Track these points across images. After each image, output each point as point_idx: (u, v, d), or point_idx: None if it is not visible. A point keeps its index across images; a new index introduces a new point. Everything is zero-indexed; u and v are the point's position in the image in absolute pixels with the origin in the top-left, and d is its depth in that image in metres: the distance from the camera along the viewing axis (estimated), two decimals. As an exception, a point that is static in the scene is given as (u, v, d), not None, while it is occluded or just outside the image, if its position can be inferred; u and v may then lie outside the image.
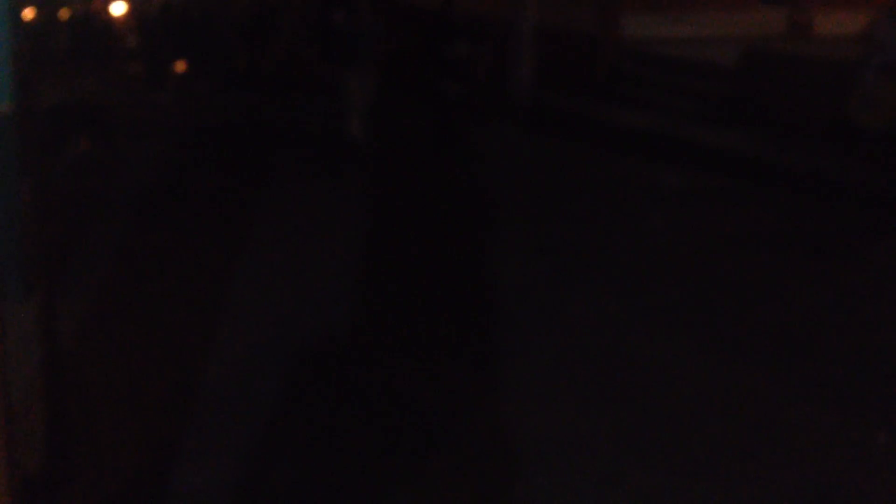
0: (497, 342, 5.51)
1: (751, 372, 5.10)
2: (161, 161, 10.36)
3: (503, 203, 8.59)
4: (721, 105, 11.04)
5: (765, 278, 6.61)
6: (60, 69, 18.42)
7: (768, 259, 6.99)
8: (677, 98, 11.70)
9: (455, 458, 4.23)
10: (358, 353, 5.36)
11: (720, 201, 8.54)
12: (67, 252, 6.71)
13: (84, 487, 3.87)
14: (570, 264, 6.88)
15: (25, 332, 3.45)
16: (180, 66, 16.98)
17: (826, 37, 13.00)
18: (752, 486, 4.01)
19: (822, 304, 6.12)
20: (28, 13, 24.05)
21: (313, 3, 11.73)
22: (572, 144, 10.82)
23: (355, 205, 8.58)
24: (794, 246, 7.29)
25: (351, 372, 5.10)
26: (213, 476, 4.00)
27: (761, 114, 10.41)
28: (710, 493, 3.95)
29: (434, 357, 5.27)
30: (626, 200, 8.58)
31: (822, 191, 8.55)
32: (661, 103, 11.65)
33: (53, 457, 3.69)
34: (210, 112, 13.77)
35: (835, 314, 5.96)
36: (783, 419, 4.59)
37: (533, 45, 12.05)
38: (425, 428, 4.49)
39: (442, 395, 4.81)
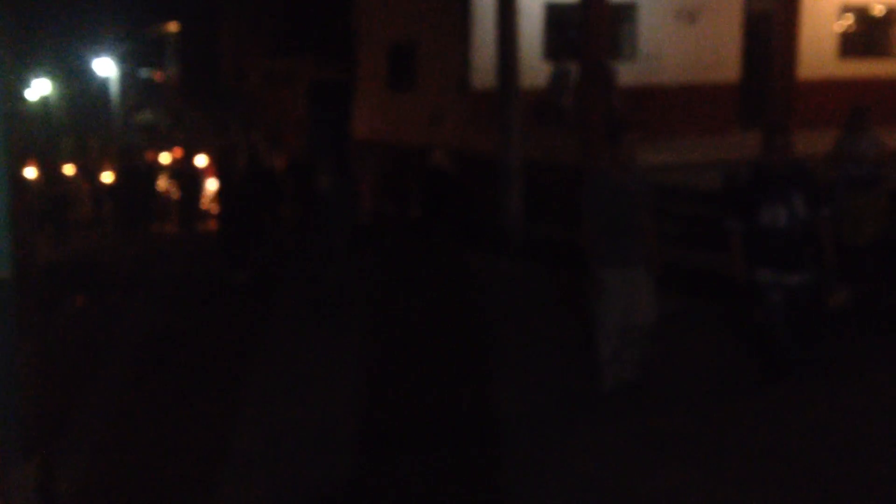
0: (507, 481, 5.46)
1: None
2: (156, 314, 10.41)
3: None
4: (707, 227, 11.15)
5: (758, 403, 6.58)
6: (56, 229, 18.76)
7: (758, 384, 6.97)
8: (664, 223, 11.82)
9: None
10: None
11: (711, 324, 8.57)
12: (65, 410, 6.68)
13: None
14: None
15: (25, 496, 3.43)
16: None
17: (802, 156, 13.25)
18: None
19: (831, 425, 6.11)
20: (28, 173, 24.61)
21: None
22: (566, 274, 10.77)
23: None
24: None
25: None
26: None
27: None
28: None
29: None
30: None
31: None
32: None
33: None
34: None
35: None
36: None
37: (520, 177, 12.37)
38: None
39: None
